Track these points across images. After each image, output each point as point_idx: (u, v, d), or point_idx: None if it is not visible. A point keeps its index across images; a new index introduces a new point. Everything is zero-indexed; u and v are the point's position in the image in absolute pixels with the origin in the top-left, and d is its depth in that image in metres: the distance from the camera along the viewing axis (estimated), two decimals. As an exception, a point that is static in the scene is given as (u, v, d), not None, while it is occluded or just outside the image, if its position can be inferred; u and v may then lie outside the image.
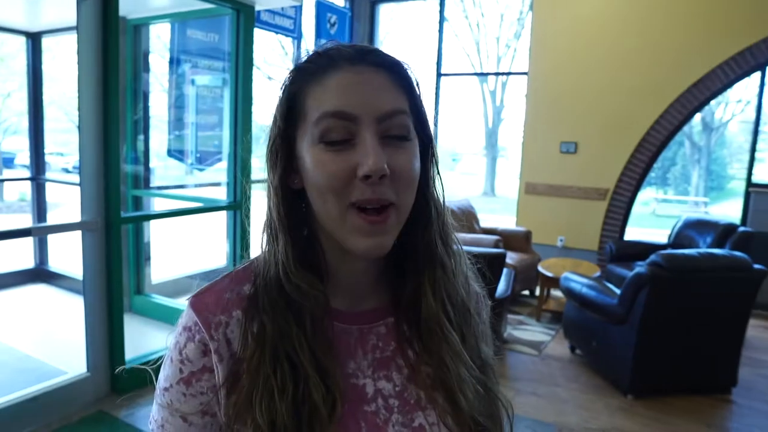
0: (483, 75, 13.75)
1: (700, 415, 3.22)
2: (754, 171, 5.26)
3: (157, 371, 0.68)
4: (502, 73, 9.54)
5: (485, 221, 5.88)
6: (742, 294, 3.43)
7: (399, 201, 0.60)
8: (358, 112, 0.58)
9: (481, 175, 14.95)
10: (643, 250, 5.02)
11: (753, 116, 5.30)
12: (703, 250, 3.47)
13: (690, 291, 3.31)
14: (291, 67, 0.65)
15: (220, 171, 5.53)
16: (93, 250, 2.98)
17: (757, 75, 5.02)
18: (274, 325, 0.62)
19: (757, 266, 3.38)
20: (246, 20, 3.61)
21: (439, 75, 6.32)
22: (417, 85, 0.63)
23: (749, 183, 5.24)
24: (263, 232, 0.67)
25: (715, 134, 16.46)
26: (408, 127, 0.61)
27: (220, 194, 5.50)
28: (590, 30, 5.47)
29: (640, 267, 3.42)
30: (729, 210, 12.63)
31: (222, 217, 4.49)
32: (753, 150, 5.32)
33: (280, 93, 0.64)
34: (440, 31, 6.39)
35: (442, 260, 0.68)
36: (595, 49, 5.47)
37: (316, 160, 0.59)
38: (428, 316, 0.67)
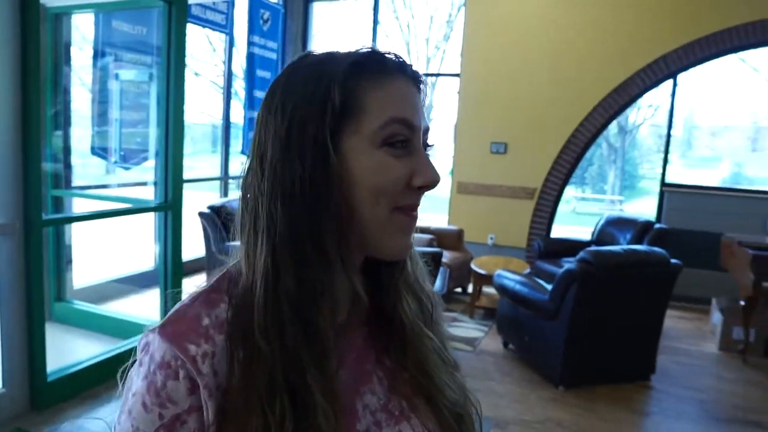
0: (429, 75, 14.00)
1: (624, 401, 3.41)
2: (667, 171, 5.61)
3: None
4: (435, 74, 9.73)
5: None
6: (661, 287, 3.66)
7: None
8: (416, 122, 0.60)
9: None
10: (569, 247, 5.26)
11: (661, 120, 5.65)
12: (626, 246, 3.68)
13: (614, 285, 3.50)
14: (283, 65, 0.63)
15: (146, 170, 5.31)
16: (10, 255, 2.78)
17: (670, 82, 5.36)
18: (275, 346, 0.55)
19: (673, 261, 3.61)
20: (178, 14, 3.48)
21: (373, 75, 6.33)
22: (427, 101, 0.66)
23: (663, 183, 5.60)
24: (255, 240, 0.59)
25: (629, 137, 17.48)
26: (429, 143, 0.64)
27: (147, 194, 5.28)
28: (521, 35, 5.67)
29: (569, 264, 3.58)
30: (641, 207, 13.42)
31: (148, 218, 4.31)
32: (666, 152, 5.68)
33: (317, 84, 0.58)
34: (374, 31, 6.41)
35: (412, 264, 0.69)
36: (526, 53, 5.67)
37: (380, 163, 0.58)
38: (407, 320, 0.66)
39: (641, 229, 5.00)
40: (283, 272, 0.57)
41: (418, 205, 0.62)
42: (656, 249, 3.68)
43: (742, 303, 4.20)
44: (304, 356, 0.55)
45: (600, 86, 5.41)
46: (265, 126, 0.59)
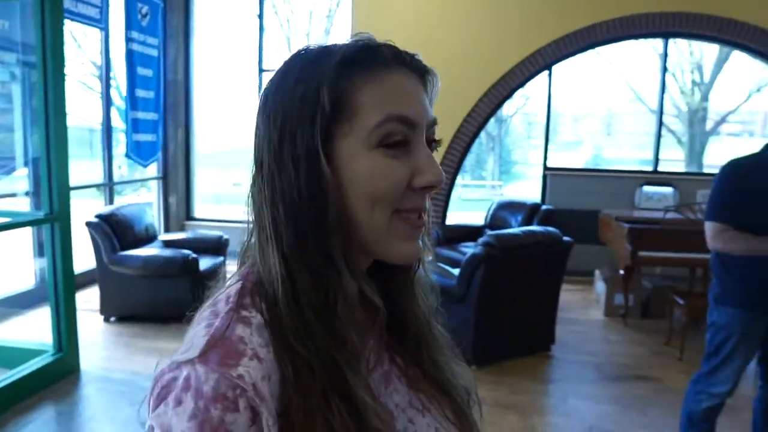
0: None
1: (531, 372, 3.67)
2: (548, 156, 6.06)
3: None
4: None
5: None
6: (555, 263, 3.97)
7: (425, 207, 0.60)
8: (417, 119, 0.56)
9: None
10: (466, 232, 5.52)
11: (530, 109, 6.07)
12: (524, 228, 3.94)
13: (516, 265, 3.73)
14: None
15: (16, 179, 4.83)
16: None
17: (545, 73, 5.78)
18: (319, 358, 0.52)
19: (565, 238, 3.92)
20: (53, 7, 3.20)
21: (261, 71, 6.21)
22: (436, 93, 0.63)
23: (545, 167, 6.04)
24: (266, 250, 0.56)
25: (504, 125, 18.62)
26: (436, 137, 0.61)
27: (18, 205, 4.80)
28: (410, 29, 5.81)
29: (473, 248, 3.77)
30: (518, 191, 14.34)
31: (19, 232, 3.91)
32: (547, 139, 6.11)
33: (306, 85, 0.55)
34: (261, 26, 6.27)
35: (422, 259, 0.68)
36: (415, 47, 5.82)
37: (375, 167, 0.54)
38: (419, 319, 0.67)
39: (530, 211, 5.36)
40: (299, 280, 0.54)
41: (424, 207, 0.59)
42: (550, 229, 3.97)
43: (622, 272, 4.65)
44: (339, 360, 0.53)
45: (483, 80, 5.71)
46: (260, 132, 0.57)
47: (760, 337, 2.39)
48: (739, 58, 6.21)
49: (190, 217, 6.58)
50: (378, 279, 0.64)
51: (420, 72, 0.59)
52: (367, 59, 0.56)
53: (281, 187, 0.55)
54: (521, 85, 5.78)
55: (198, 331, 0.53)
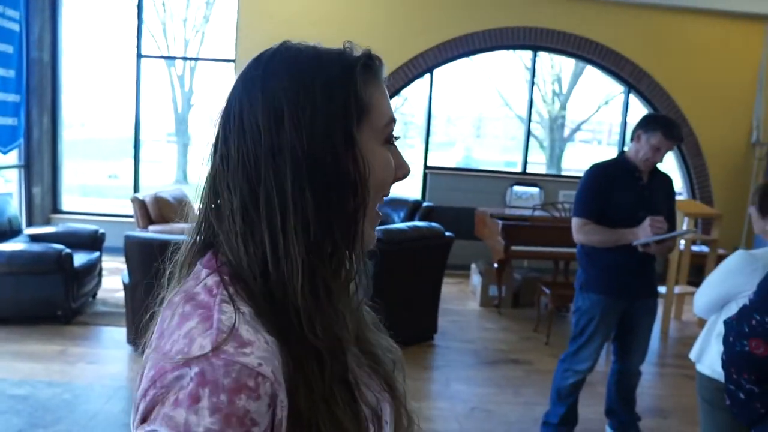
0: (187, 59, 13.07)
1: (416, 360, 3.86)
2: (418, 155, 6.38)
3: None
4: (205, 59, 9.22)
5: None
6: (438, 257, 4.21)
7: None
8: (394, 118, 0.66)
9: (169, 163, 14.28)
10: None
11: (406, 110, 6.34)
12: (410, 223, 4.14)
13: (403, 259, 3.92)
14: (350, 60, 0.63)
15: None
16: None
17: (428, 76, 6.08)
18: (329, 342, 0.57)
19: (447, 233, 4.18)
20: None
21: (139, 56, 5.88)
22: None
23: (425, 166, 6.34)
24: (281, 238, 0.57)
25: (382, 124, 19.15)
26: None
27: None
28: (294, 23, 5.80)
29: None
30: (397, 188, 14.79)
31: None
32: (427, 139, 6.41)
33: (345, 85, 0.60)
34: (140, 11, 5.92)
35: None
36: (303, 38, 5.83)
37: (385, 159, 0.63)
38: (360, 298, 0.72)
39: (412, 208, 5.60)
40: (319, 266, 0.58)
41: None
42: (433, 224, 4.21)
43: (496, 265, 5.03)
44: (343, 341, 0.59)
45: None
46: (259, 123, 0.58)
47: (616, 318, 2.74)
48: (592, 73, 6.94)
49: (57, 209, 6.06)
50: None
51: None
52: (374, 66, 0.65)
53: (311, 176, 0.57)
54: (404, 86, 6.01)
55: (193, 326, 0.53)
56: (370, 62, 0.64)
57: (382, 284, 3.74)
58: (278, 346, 0.54)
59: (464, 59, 6.19)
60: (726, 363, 1.18)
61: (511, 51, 6.41)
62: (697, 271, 5.36)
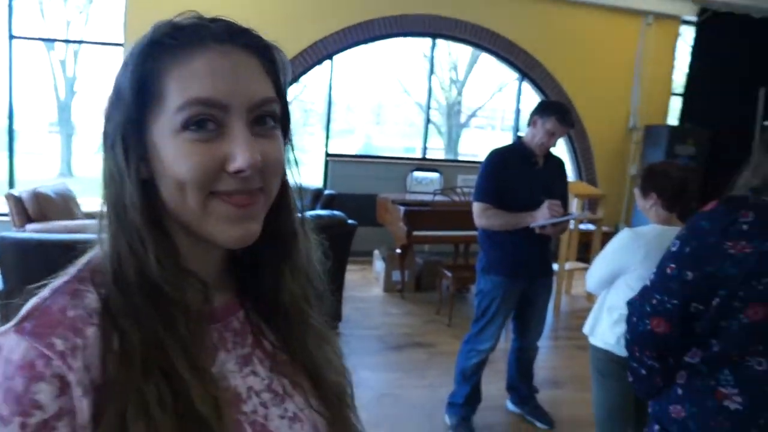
0: (69, 42, 11.93)
1: (323, 350, 3.82)
2: (329, 143, 6.30)
3: None
4: (90, 42, 8.39)
5: (87, 205, 5.34)
6: (342, 245, 4.17)
7: (267, 187, 0.58)
8: (229, 100, 0.54)
9: (52, 155, 13.09)
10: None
11: (305, 97, 6.23)
12: (312, 212, 4.06)
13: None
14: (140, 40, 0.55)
15: None
16: None
17: (328, 63, 5.99)
18: (142, 335, 0.52)
19: (350, 221, 4.15)
20: None
21: (11, 37, 5.31)
22: (286, 69, 0.62)
23: (327, 153, 6.26)
24: (106, 228, 0.56)
25: (281, 111, 18.78)
26: (276, 115, 0.59)
27: None
28: (190, 3, 5.48)
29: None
30: (298, 177, 14.57)
31: None
32: (328, 127, 6.32)
33: (125, 69, 0.55)
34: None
35: (303, 245, 0.67)
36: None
37: (180, 151, 0.53)
38: (289, 304, 0.66)
39: (314, 196, 5.53)
40: (123, 259, 0.55)
41: (249, 190, 0.56)
42: (336, 212, 4.16)
43: (398, 251, 5.08)
44: (168, 343, 0.53)
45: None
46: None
47: (516, 298, 2.85)
48: (487, 60, 7.16)
49: None
50: (249, 259, 0.65)
51: (252, 48, 0.57)
52: (172, 40, 0.54)
53: (104, 170, 0.56)
54: (304, 72, 5.89)
55: (29, 302, 0.53)
56: (162, 36, 0.54)
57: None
58: (105, 334, 0.52)
59: (364, 46, 6.14)
60: (629, 342, 1.23)
61: (410, 38, 6.44)
62: (584, 248, 5.72)
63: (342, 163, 6.33)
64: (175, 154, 0.54)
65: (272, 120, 0.58)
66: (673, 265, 1.12)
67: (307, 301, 0.68)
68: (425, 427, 2.94)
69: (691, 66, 6.95)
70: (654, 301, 1.15)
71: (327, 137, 6.30)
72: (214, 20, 0.56)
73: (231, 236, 0.56)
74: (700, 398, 1.11)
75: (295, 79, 5.90)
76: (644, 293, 1.20)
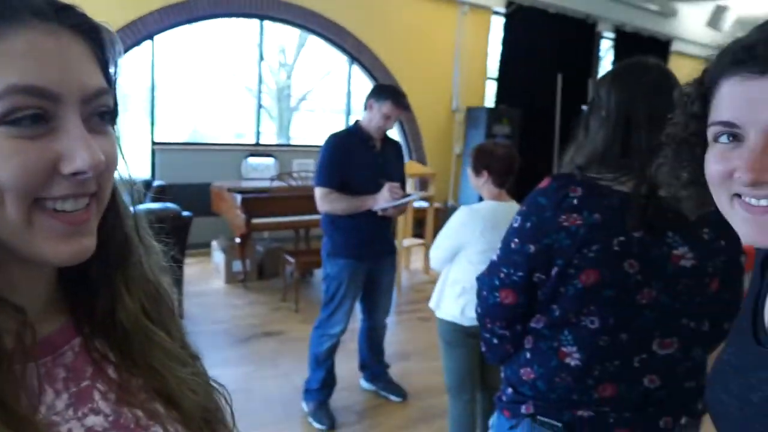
0: None
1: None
2: (155, 131, 5.85)
3: None
4: None
5: None
6: (178, 239, 3.93)
7: (101, 193, 0.50)
8: (60, 89, 0.45)
9: None
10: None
11: (124, 80, 5.74)
12: (143, 206, 3.74)
13: (138, 245, 3.56)
14: None
15: None
16: None
17: (149, 43, 5.53)
18: None
19: (184, 213, 3.92)
20: None
21: None
22: (116, 55, 0.53)
23: (153, 142, 5.82)
24: None
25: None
26: (110, 108, 0.51)
27: None
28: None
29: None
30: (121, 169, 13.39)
31: None
32: (152, 113, 5.86)
33: None
34: None
35: (139, 254, 0.60)
36: None
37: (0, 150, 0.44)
38: (128, 322, 0.57)
39: (143, 188, 5.12)
40: None
41: (84, 193, 0.49)
42: (169, 204, 3.91)
43: (238, 240, 4.93)
44: None
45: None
46: None
47: (362, 279, 2.92)
48: (316, 43, 7.14)
49: None
50: (78, 273, 0.56)
51: (80, 29, 0.49)
52: None
53: None
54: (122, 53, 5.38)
55: None
56: None
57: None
58: None
59: (188, 27, 5.77)
60: (481, 315, 1.32)
61: (237, 19, 6.19)
62: (419, 225, 6.04)
63: (170, 152, 5.93)
64: None
65: (107, 114, 0.51)
66: (516, 240, 1.22)
67: (148, 316, 0.60)
68: (283, 417, 2.92)
69: (502, 53, 7.62)
70: (501, 275, 1.25)
71: (152, 124, 5.84)
72: None
73: (61, 253, 0.48)
74: (545, 359, 1.23)
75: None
76: (492, 268, 1.30)
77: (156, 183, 5.21)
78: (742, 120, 0.62)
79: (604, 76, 1.27)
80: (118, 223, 0.57)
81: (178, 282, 3.92)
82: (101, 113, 0.50)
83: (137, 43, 5.37)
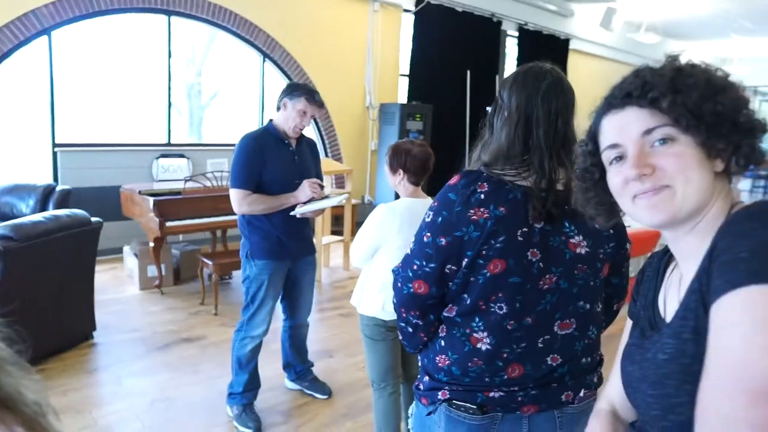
0: None
1: (75, 366, 3.43)
2: (56, 131, 5.51)
3: None
4: None
5: None
6: (87, 246, 3.76)
7: None
8: None
9: None
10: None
11: (47, 78, 5.42)
12: (47, 214, 3.56)
13: (41, 254, 3.37)
14: None
15: None
16: None
17: (45, 39, 5.20)
18: None
19: (94, 219, 3.75)
20: None
21: None
22: None
23: (54, 144, 5.48)
24: None
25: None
26: None
27: None
28: None
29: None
30: (17, 172, 12.45)
31: None
32: (53, 112, 5.51)
33: None
34: None
35: None
36: None
37: None
38: None
39: (44, 194, 4.83)
40: None
41: None
42: (76, 211, 3.72)
43: (152, 244, 4.76)
44: None
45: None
46: None
47: (282, 280, 2.92)
48: (226, 40, 6.98)
49: None
50: None
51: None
52: None
53: None
54: (15, 49, 5.03)
55: None
56: None
57: (19, 289, 3.18)
58: None
59: (89, 21, 5.47)
60: (396, 305, 1.39)
61: (143, 14, 5.94)
62: (336, 221, 6.08)
63: (74, 153, 5.61)
64: None
65: None
66: (428, 234, 1.29)
67: None
68: (208, 424, 2.87)
69: (413, 50, 7.78)
70: (414, 267, 1.32)
71: (53, 125, 5.50)
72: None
73: None
74: (458, 345, 1.32)
75: (5, 56, 5.02)
76: (406, 260, 1.37)
77: (59, 188, 4.94)
78: (619, 140, 0.87)
79: (505, 80, 1.37)
80: None
81: (89, 291, 3.76)
82: None
83: (31, 38, 5.04)
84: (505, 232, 1.23)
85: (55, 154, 5.49)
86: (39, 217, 3.46)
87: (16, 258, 3.19)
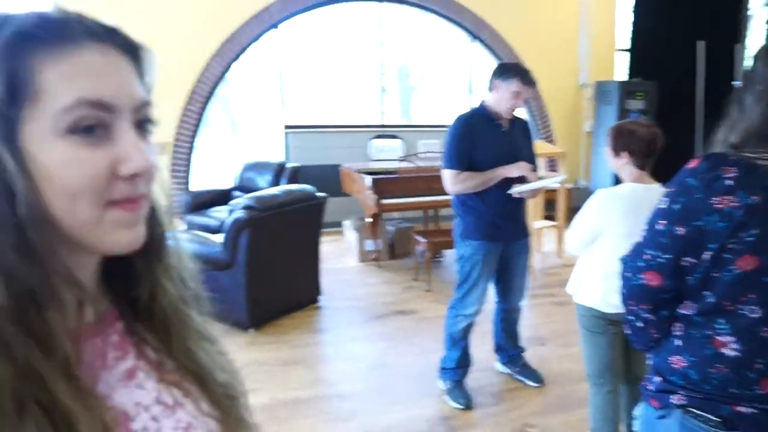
0: None
1: (305, 325, 3.80)
2: (285, 114, 6.14)
3: None
4: None
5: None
6: (314, 218, 4.11)
7: (148, 193, 0.56)
8: (116, 101, 0.51)
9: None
10: (216, 196, 5.33)
11: (258, 67, 6.00)
12: (282, 187, 3.97)
13: (279, 224, 3.77)
14: None
15: None
16: None
17: (275, 31, 5.80)
18: (12, 367, 0.46)
19: (319, 194, 4.08)
20: None
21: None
22: (152, 71, 0.58)
23: (285, 126, 6.11)
24: None
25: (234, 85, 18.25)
26: (152, 118, 0.56)
27: None
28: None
29: (230, 212, 3.68)
30: (258, 150, 14.28)
31: None
32: (282, 96, 6.13)
33: None
34: None
35: (173, 246, 0.65)
36: (133, 7, 5.23)
37: (67, 157, 0.49)
38: (167, 307, 0.63)
39: (277, 170, 5.40)
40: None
41: (141, 193, 0.54)
42: (305, 186, 4.09)
43: (369, 220, 5.05)
44: (45, 371, 0.48)
45: (212, 37, 5.48)
46: None
47: (496, 261, 2.87)
48: (435, 22, 7.06)
49: None
50: (120, 264, 0.60)
51: (124, 48, 0.54)
52: (48, 34, 0.49)
53: None
54: (252, 41, 5.69)
55: None
56: (34, 29, 0.49)
57: (261, 254, 3.60)
58: None
59: (309, 13, 5.96)
60: (625, 296, 1.27)
61: (355, 3, 6.29)
62: (549, 206, 5.83)
63: (301, 134, 6.19)
64: (60, 160, 0.49)
65: (149, 123, 0.56)
66: (663, 221, 1.14)
67: (185, 301, 0.66)
68: (420, 394, 2.96)
69: (635, 22, 7.05)
70: (646, 257, 1.18)
71: (282, 108, 6.12)
72: (80, 17, 0.52)
73: (121, 242, 0.54)
74: (697, 348, 1.14)
75: (243, 49, 5.70)
76: (636, 249, 1.23)
77: (289, 165, 5.48)
78: None
79: (761, 49, 1.15)
80: (156, 219, 0.62)
81: (316, 259, 4.12)
82: (144, 122, 0.55)
83: (265, 31, 5.65)
84: (758, 224, 1.03)
85: (286, 134, 6.10)
86: (275, 190, 3.86)
87: (259, 225, 3.60)
